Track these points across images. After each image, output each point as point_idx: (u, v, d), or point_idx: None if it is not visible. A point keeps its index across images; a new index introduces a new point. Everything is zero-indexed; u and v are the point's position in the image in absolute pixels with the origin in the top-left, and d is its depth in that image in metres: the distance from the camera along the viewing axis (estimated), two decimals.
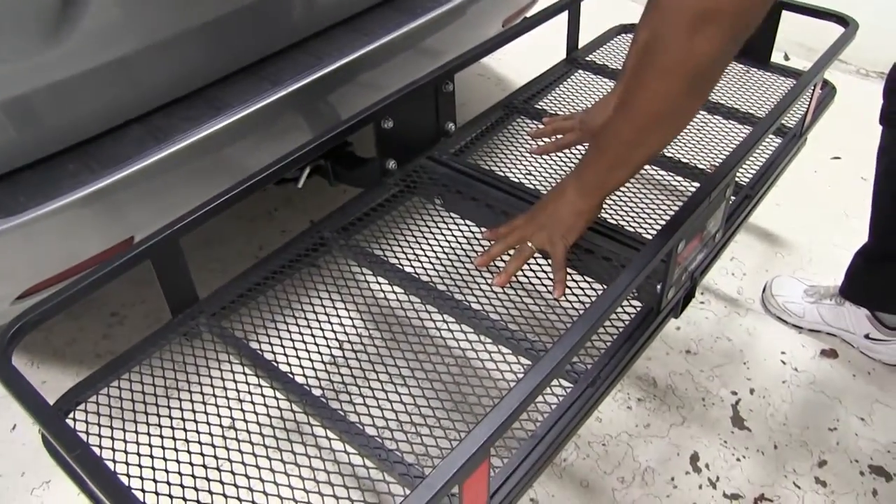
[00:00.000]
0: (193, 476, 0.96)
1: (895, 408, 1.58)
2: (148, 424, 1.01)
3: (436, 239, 1.33)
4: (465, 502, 0.81)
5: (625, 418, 1.56)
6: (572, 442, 1.51)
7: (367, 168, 1.49)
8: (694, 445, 1.51)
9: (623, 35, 1.90)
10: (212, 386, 1.09)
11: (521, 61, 2.68)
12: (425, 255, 1.29)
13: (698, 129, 1.60)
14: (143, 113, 1.37)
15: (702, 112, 1.65)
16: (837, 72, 2.67)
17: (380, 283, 1.27)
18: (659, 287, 1.14)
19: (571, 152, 1.51)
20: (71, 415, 1.05)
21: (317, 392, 1.07)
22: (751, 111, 1.64)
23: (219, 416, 1.04)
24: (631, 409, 1.58)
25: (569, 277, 1.19)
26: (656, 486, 1.45)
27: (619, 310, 1.14)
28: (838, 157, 2.26)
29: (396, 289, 1.25)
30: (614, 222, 1.33)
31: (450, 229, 1.35)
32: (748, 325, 1.76)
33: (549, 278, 1.17)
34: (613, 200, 1.39)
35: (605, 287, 1.01)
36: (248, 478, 0.94)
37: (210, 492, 0.93)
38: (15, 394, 0.88)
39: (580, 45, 1.85)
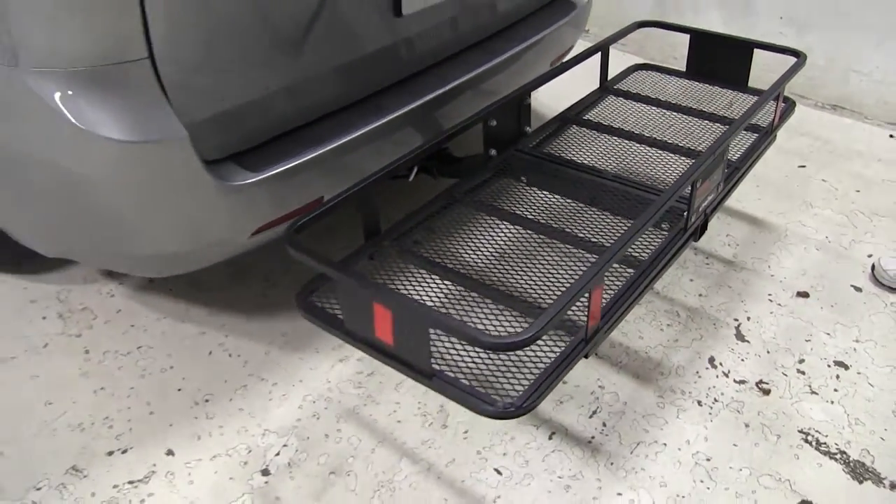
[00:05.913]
0: None
1: (851, 326, 2.17)
2: None
3: (529, 200, 1.94)
4: (592, 305, 1.40)
5: (659, 336, 2.15)
6: (624, 351, 2.09)
7: (462, 163, 2.11)
8: (710, 352, 2.09)
9: (639, 71, 2.57)
10: (403, 281, 1.69)
11: (556, 91, 3.35)
12: (532, 207, 1.91)
13: (700, 133, 2.24)
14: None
15: (702, 121, 2.31)
16: (801, 105, 3.36)
17: (503, 223, 1.89)
18: (685, 213, 1.75)
19: (635, 143, 2.15)
20: (315, 294, 1.62)
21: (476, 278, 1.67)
22: (734, 118, 2.30)
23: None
24: (663, 330, 2.17)
25: (619, 220, 1.80)
26: (686, 377, 2.02)
27: (659, 229, 1.75)
28: (804, 166, 2.92)
29: (517, 226, 1.87)
30: (648, 182, 1.96)
31: (535, 197, 1.97)
32: (742, 277, 2.36)
33: None
34: (647, 172, 2.02)
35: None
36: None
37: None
38: (304, 258, 1.43)
39: (609, 77, 2.51)
